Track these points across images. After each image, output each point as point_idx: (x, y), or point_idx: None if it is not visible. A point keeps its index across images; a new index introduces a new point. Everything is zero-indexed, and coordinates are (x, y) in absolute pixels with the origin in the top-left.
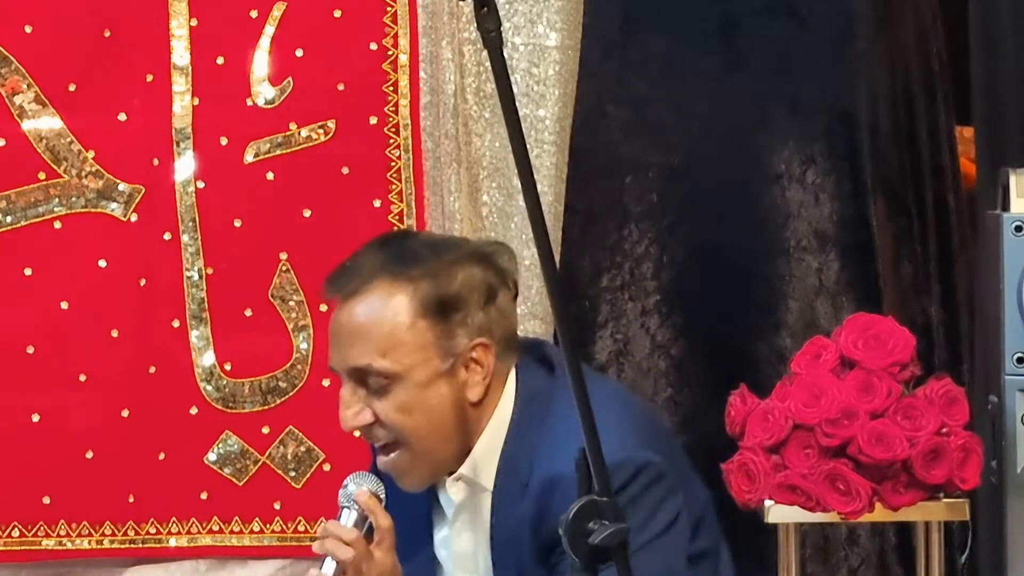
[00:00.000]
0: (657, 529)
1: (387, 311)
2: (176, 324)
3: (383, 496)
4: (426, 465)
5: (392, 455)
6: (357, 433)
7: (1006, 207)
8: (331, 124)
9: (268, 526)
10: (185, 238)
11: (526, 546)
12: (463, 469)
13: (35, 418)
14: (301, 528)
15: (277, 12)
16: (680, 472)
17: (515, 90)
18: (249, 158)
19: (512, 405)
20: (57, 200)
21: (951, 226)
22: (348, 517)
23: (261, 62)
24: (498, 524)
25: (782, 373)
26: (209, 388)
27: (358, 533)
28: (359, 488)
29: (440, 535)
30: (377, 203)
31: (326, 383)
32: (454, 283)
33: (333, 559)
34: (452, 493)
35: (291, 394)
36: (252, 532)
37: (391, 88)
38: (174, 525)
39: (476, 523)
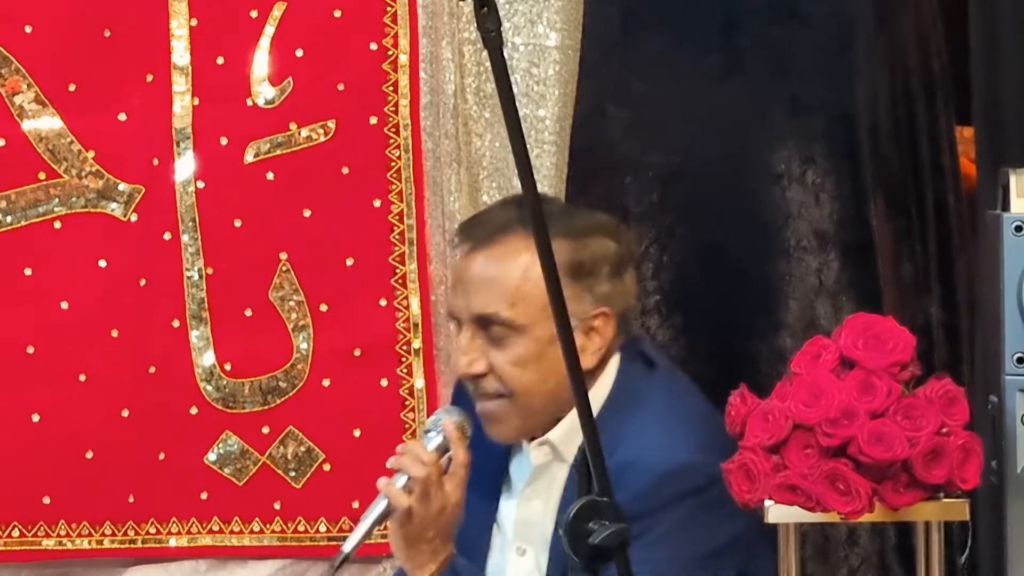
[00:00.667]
0: (716, 544)
1: (521, 264)
2: (176, 324)
3: (469, 433)
4: (522, 420)
5: (495, 402)
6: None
7: (1006, 207)
8: (331, 124)
9: (268, 526)
10: (185, 238)
11: None
12: (551, 435)
13: (35, 418)
14: (301, 528)
15: (277, 12)
16: None
17: (515, 90)
18: (249, 158)
19: (611, 385)
20: (57, 200)
21: (951, 226)
22: (431, 441)
23: (261, 62)
24: (570, 497)
25: (782, 373)
26: (209, 388)
27: (436, 456)
28: (449, 417)
29: (504, 502)
30: (377, 203)
31: (326, 383)
32: (588, 249)
33: (405, 474)
34: (534, 457)
35: (291, 394)
36: (252, 532)
37: (391, 88)
38: (174, 525)
39: (548, 493)
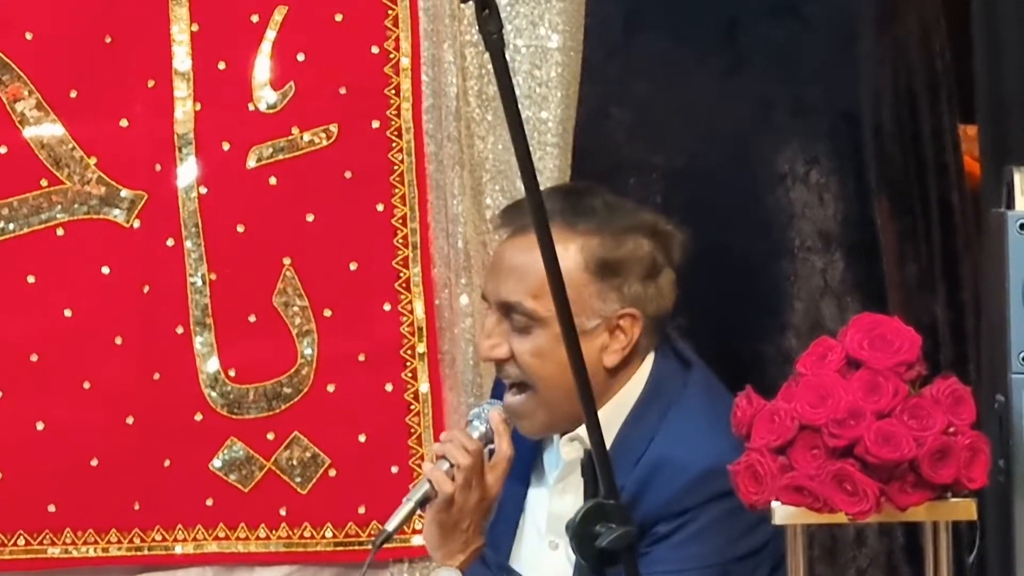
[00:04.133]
0: (747, 548)
1: None
2: (180, 330)
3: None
4: (547, 414)
5: (519, 396)
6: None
7: (1010, 205)
8: (333, 128)
9: (274, 532)
10: (188, 244)
11: None
12: (581, 431)
13: (39, 426)
14: (307, 534)
15: (278, 16)
16: None
17: (517, 92)
18: (251, 163)
19: (644, 384)
20: (59, 207)
21: (955, 225)
22: (475, 430)
23: (263, 67)
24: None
25: (788, 374)
26: (214, 394)
27: (480, 445)
28: (495, 409)
29: (535, 490)
30: (380, 207)
31: (331, 388)
32: (621, 248)
33: (449, 461)
34: (564, 452)
35: (296, 400)
36: (258, 538)
37: (393, 91)
38: (180, 532)
39: (579, 488)
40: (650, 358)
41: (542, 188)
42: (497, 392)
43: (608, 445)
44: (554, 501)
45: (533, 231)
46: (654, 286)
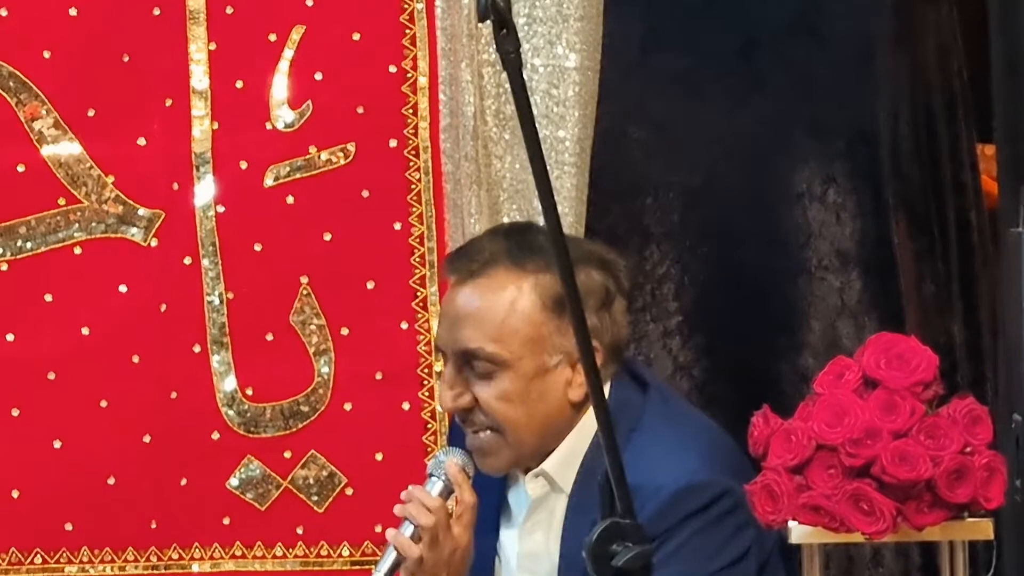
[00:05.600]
0: (728, 559)
1: (505, 299)
2: (197, 349)
3: (471, 473)
4: (513, 453)
5: (482, 435)
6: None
7: None
8: (351, 147)
9: (291, 551)
10: (205, 262)
11: None
12: (545, 466)
13: (57, 444)
14: (324, 552)
15: (296, 35)
16: None
17: (535, 111)
18: (269, 182)
19: None
20: (77, 225)
21: (973, 244)
22: (434, 485)
23: (280, 85)
24: (570, 528)
25: (805, 393)
26: (231, 413)
27: (442, 502)
28: (450, 459)
29: (505, 533)
30: (397, 226)
31: (348, 407)
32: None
33: (412, 523)
34: (530, 489)
35: (313, 418)
36: (275, 557)
37: (410, 111)
38: (197, 550)
39: (549, 524)
40: (606, 388)
41: (561, 210)
42: (453, 439)
43: (572, 479)
44: (524, 541)
45: (482, 276)
46: (608, 316)
